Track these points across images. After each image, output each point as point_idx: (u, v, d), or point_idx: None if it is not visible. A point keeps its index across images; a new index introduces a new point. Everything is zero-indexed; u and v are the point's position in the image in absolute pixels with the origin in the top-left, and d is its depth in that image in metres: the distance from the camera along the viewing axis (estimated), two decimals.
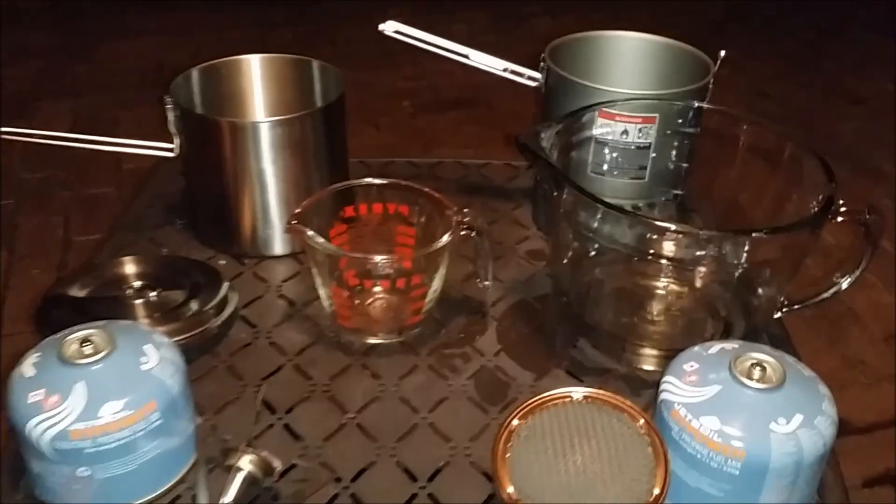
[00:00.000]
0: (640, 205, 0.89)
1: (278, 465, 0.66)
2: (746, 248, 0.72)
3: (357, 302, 0.83)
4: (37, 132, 0.89)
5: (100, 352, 0.64)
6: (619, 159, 0.86)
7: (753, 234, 0.69)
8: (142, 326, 0.72)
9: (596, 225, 0.75)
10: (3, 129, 0.89)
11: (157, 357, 0.66)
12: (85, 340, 0.65)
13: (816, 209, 0.72)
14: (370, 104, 2.76)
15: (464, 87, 2.79)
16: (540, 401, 0.67)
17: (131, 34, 3.36)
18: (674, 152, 0.87)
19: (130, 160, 2.49)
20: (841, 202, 0.74)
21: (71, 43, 3.29)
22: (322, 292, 0.81)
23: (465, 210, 0.79)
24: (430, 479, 0.69)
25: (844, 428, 1.76)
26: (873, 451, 1.63)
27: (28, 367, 0.65)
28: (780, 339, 0.82)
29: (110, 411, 0.62)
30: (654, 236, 0.73)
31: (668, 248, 0.75)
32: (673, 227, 0.70)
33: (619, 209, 0.70)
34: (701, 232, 0.71)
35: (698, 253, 0.75)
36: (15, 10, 3.54)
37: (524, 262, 0.94)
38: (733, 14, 3.72)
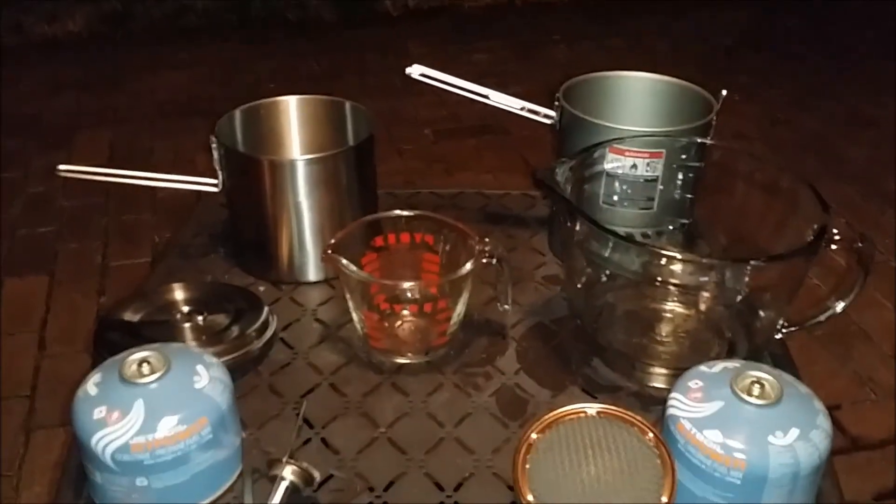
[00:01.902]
0: (649, 233, 0.95)
1: (317, 475, 0.72)
2: (747, 274, 0.78)
3: (387, 325, 0.89)
4: (93, 170, 0.96)
5: (156, 372, 0.70)
6: (629, 191, 0.92)
7: (752, 263, 0.75)
8: (193, 348, 0.79)
9: (607, 254, 0.81)
10: (62, 167, 0.96)
11: (207, 376, 0.72)
12: (142, 361, 0.71)
13: (812, 237, 0.78)
14: (393, 131, 2.84)
15: (483, 114, 2.84)
16: (557, 416, 0.72)
17: (165, 66, 3.47)
18: (680, 184, 0.93)
19: (166, 189, 2.59)
20: (835, 231, 0.79)
21: (106, 75, 3.39)
22: (355, 316, 0.87)
23: (487, 239, 0.85)
24: (456, 489, 0.75)
25: (855, 444, 1.79)
26: (883, 467, 1.66)
27: (91, 386, 0.72)
28: (781, 358, 0.87)
29: (167, 426, 0.69)
30: (661, 264, 0.79)
31: (674, 274, 0.81)
32: (678, 255, 0.76)
33: (629, 239, 0.76)
34: (704, 260, 0.77)
35: (702, 279, 0.81)
36: (53, 43, 3.64)
37: (541, 286, 0.99)
38: (747, 40, 3.78)
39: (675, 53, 3.48)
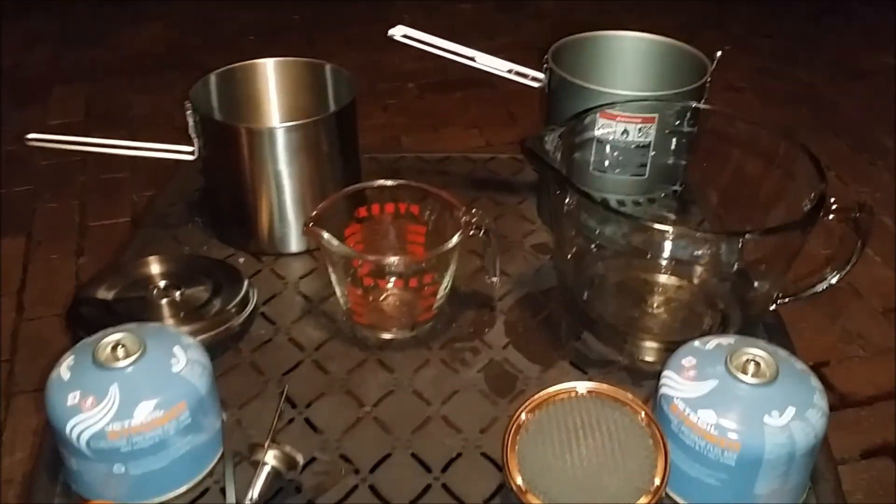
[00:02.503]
0: (641, 200, 0.92)
1: (301, 459, 0.70)
2: (741, 247, 0.76)
3: (371, 299, 0.87)
4: (64, 138, 0.93)
5: (131, 355, 0.68)
6: (620, 158, 0.89)
7: (746, 236, 0.72)
8: (170, 329, 0.76)
9: (598, 225, 0.79)
10: (30, 135, 0.92)
11: (185, 359, 0.70)
12: (117, 344, 0.69)
13: (809, 207, 0.75)
14: (377, 85, 2.79)
15: (468, 67, 2.81)
16: (547, 396, 0.70)
17: (143, 18, 3.39)
18: (673, 150, 0.90)
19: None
20: (832, 200, 0.76)
21: (83, 28, 3.31)
22: (338, 290, 0.85)
23: (474, 210, 0.83)
24: (444, 469, 0.73)
25: (844, 401, 1.79)
26: (872, 424, 1.67)
27: (64, 370, 0.69)
28: (775, 329, 0.85)
29: (144, 412, 0.66)
30: (654, 237, 0.77)
31: (667, 247, 0.79)
32: (671, 230, 0.74)
33: (621, 212, 0.74)
34: (697, 234, 0.74)
35: (696, 252, 0.78)
36: None
37: (530, 255, 0.97)
38: None
39: (666, 2, 3.42)
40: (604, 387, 0.70)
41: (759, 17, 3.43)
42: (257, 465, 0.69)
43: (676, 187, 0.92)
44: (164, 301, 0.85)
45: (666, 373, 0.71)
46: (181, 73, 2.94)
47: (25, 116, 2.67)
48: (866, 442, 1.62)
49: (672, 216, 0.93)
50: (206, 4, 3.48)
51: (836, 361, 1.79)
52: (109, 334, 0.70)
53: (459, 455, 0.74)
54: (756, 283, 0.81)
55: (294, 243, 0.96)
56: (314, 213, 0.81)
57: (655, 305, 0.87)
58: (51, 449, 0.72)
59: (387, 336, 0.86)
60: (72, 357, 0.70)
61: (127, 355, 0.68)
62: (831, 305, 1.92)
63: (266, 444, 0.69)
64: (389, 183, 0.87)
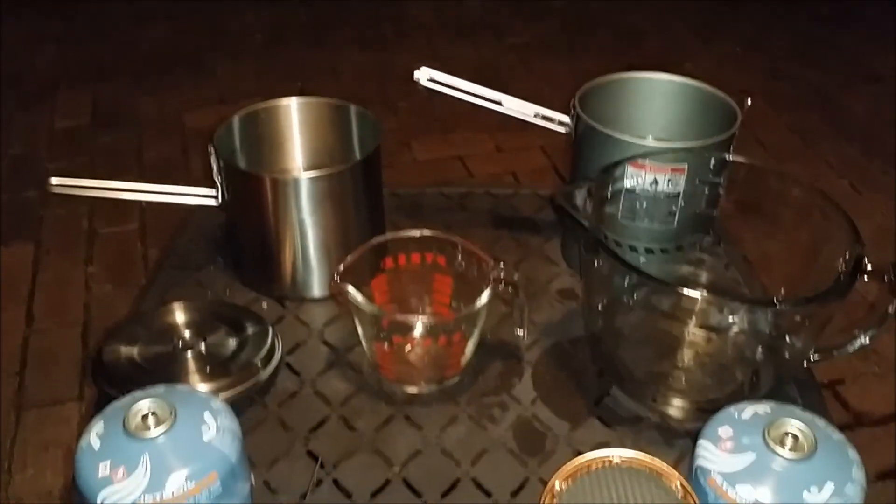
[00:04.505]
0: (669, 248, 0.91)
1: None
2: (775, 313, 0.75)
3: (398, 353, 0.86)
4: (88, 184, 0.92)
5: (162, 423, 0.67)
6: (649, 207, 0.88)
7: (779, 307, 0.71)
8: (199, 393, 0.75)
9: (628, 284, 0.78)
10: (54, 180, 0.91)
11: (215, 426, 0.69)
12: (148, 412, 0.68)
13: (845, 270, 0.75)
14: (387, 87, 2.76)
15: (479, 68, 2.79)
16: (581, 464, 0.70)
17: (149, 18, 3.36)
18: (703, 200, 0.89)
19: (152, 149, 2.53)
20: (867, 262, 0.75)
21: (88, 28, 3.29)
22: (364, 343, 0.84)
23: (502, 264, 0.82)
24: None
25: (858, 420, 1.78)
26: (886, 443, 1.66)
27: (94, 438, 0.68)
28: (807, 386, 0.85)
29: (175, 484, 0.65)
30: (684, 302, 0.76)
31: (698, 310, 0.78)
32: (701, 295, 0.73)
33: (654, 278, 0.73)
34: (730, 303, 0.73)
35: (728, 317, 0.77)
36: None
37: (556, 301, 0.96)
38: None
39: (678, 2, 3.39)
40: (639, 456, 0.70)
41: (772, 19, 3.40)
42: None
43: (706, 235, 0.91)
44: (189, 354, 0.84)
45: (701, 443, 0.70)
46: (188, 72, 2.92)
47: (31, 119, 2.65)
48: (882, 463, 1.60)
49: (705, 258, 0.92)
50: (212, 4, 3.46)
51: (851, 379, 1.79)
52: (139, 399, 0.69)
53: None
54: (789, 343, 0.80)
55: (317, 289, 0.95)
56: (341, 268, 0.80)
57: (686, 361, 0.86)
58: None
59: (413, 390, 0.85)
60: (101, 423, 0.69)
61: (158, 423, 0.67)
62: (845, 321, 1.90)
63: None
64: (416, 234, 0.86)
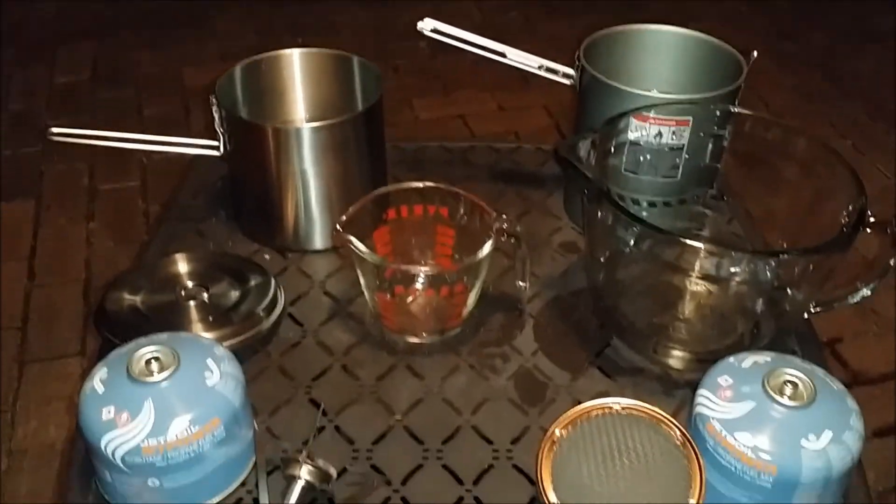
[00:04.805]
0: (672, 202, 0.91)
1: (334, 473, 0.70)
2: (778, 264, 0.75)
3: (400, 304, 0.86)
4: (87, 133, 0.91)
5: (165, 369, 0.67)
6: (653, 160, 0.88)
7: (783, 256, 0.72)
8: (203, 340, 0.75)
9: (631, 236, 0.78)
10: (55, 129, 0.91)
11: (218, 372, 0.69)
12: (151, 358, 0.68)
13: (848, 222, 0.74)
14: (387, 44, 2.74)
15: (481, 26, 2.76)
16: (581, 411, 0.70)
17: None
18: (706, 153, 0.89)
19: (153, 105, 2.52)
20: (870, 214, 0.75)
21: None
22: (366, 294, 0.84)
23: (505, 216, 0.82)
24: (476, 482, 0.73)
25: (856, 378, 1.79)
26: (885, 402, 1.67)
27: (98, 383, 0.68)
28: (807, 339, 0.85)
29: (178, 428, 0.66)
30: (687, 252, 0.76)
31: (700, 260, 0.78)
32: (704, 246, 0.73)
33: (657, 228, 0.73)
34: (733, 253, 0.73)
35: (730, 268, 0.78)
36: None
37: (558, 255, 0.96)
38: None
39: None
40: (639, 404, 0.70)
41: None
42: (291, 478, 0.69)
43: (710, 189, 0.91)
44: (192, 303, 0.84)
45: (701, 391, 0.70)
46: (188, 26, 2.90)
47: (31, 75, 2.64)
48: (879, 420, 1.62)
49: (707, 212, 0.92)
50: None
51: (850, 337, 1.79)
52: (143, 346, 0.69)
53: (491, 467, 0.74)
54: (790, 294, 0.80)
55: (319, 240, 0.95)
56: (343, 218, 0.80)
57: (687, 313, 0.86)
58: (82, 458, 0.72)
59: (415, 340, 0.85)
60: (105, 369, 0.70)
61: (161, 369, 0.67)
62: (847, 279, 1.91)
63: (300, 459, 0.69)
64: (419, 185, 0.86)
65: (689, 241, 0.72)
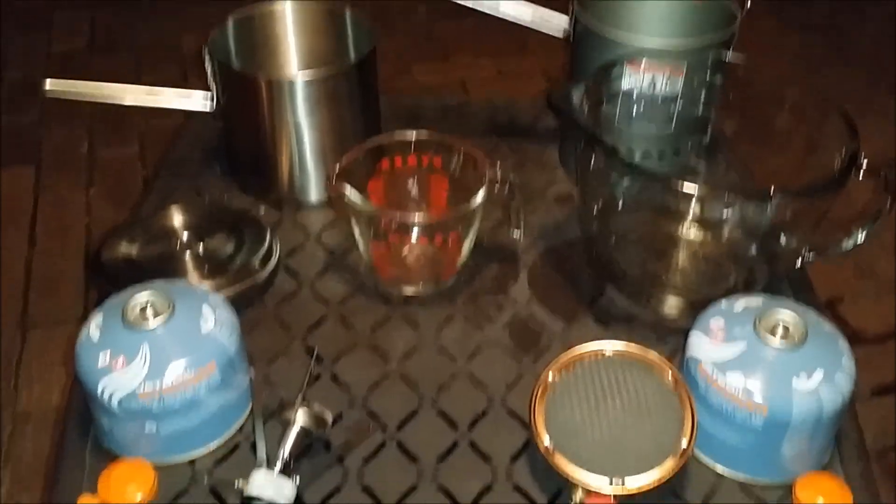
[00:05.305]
0: (666, 152, 0.91)
1: (330, 418, 0.71)
2: (769, 207, 0.75)
3: (395, 254, 0.86)
4: (81, 88, 0.91)
5: (160, 315, 0.68)
6: (646, 109, 0.88)
7: (775, 198, 0.72)
8: (197, 287, 0.76)
9: (625, 183, 0.78)
10: (49, 82, 0.90)
11: (213, 318, 0.70)
12: (146, 304, 0.69)
13: (840, 166, 0.74)
14: (384, 7, 2.72)
15: None
16: (574, 356, 0.71)
17: None
18: (700, 102, 0.88)
19: (151, 74, 2.51)
20: (863, 158, 0.75)
21: None
22: (361, 245, 0.84)
23: (498, 164, 0.82)
24: (470, 427, 0.73)
25: (855, 337, 1.79)
26: (883, 361, 1.67)
27: (94, 329, 0.69)
28: (801, 284, 0.85)
29: (174, 373, 0.66)
30: (680, 196, 0.76)
31: (693, 206, 0.78)
32: (697, 188, 0.72)
33: (650, 173, 0.73)
34: (725, 194, 0.73)
35: (723, 212, 0.78)
36: None
37: (553, 206, 0.96)
38: None
39: None
40: (631, 347, 0.70)
41: None
42: (287, 423, 0.69)
43: (703, 139, 0.91)
44: (187, 254, 0.84)
45: (693, 333, 0.71)
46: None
47: (28, 43, 2.62)
48: (877, 379, 1.62)
49: (701, 163, 0.92)
50: None
51: (849, 297, 1.79)
52: (138, 292, 0.69)
53: (485, 412, 0.75)
54: (783, 240, 0.81)
55: (314, 193, 0.95)
56: (337, 169, 0.80)
57: (680, 260, 0.86)
58: (80, 404, 0.73)
59: (410, 291, 0.86)
60: (100, 316, 0.70)
61: (156, 315, 0.68)
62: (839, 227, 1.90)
63: (296, 404, 0.70)
64: (412, 135, 0.85)
65: (681, 183, 0.72)
